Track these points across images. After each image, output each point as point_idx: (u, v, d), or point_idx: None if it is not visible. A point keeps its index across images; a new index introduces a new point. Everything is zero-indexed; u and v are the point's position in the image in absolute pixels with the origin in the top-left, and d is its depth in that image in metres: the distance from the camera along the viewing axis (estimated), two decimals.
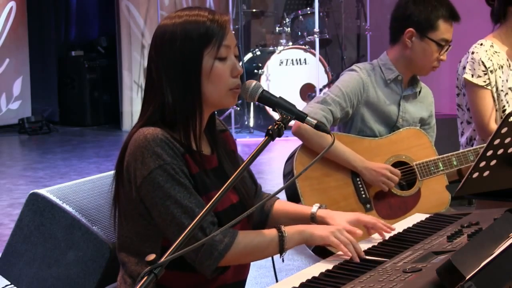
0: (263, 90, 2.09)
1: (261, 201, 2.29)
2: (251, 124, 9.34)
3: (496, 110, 3.60)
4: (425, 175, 3.22)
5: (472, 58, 3.59)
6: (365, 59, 9.51)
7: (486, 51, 3.59)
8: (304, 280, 1.89)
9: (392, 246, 2.16)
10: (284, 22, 9.76)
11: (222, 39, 2.16)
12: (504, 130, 2.51)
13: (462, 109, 3.73)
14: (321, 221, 2.35)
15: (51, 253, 2.74)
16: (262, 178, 6.95)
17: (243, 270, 2.30)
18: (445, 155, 3.24)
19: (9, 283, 2.86)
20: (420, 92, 3.41)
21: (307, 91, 9.33)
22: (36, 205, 2.74)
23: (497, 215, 2.14)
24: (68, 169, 7.74)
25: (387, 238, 2.28)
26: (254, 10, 10.24)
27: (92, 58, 10.50)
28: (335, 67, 10.21)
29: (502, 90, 3.60)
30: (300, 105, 8.72)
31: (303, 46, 9.40)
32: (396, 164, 3.23)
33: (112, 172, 2.26)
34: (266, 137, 1.96)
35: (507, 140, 2.54)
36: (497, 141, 2.53)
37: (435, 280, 1.62)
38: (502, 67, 3.61)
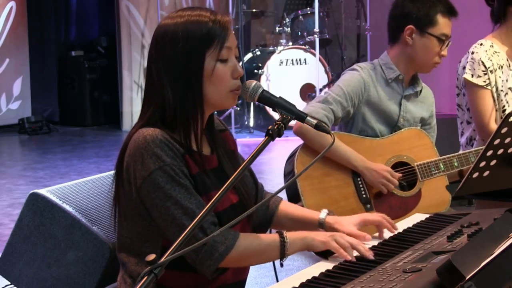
0: (263, 90, 2.09)
1: (263, 200, 2.29)
2: (251, 124, 9.35)
3: (496, 110, 3.60)
4: (426, 176, 3.22)
5: (472, 58, 3.59)
6: (365, 59, 9.51)
7: (486, 51, 3.59)
8: (304, 280, 1.89)
9: (392, 246, 2.16)
10: (284, 22, 9.76)
11: (224, 41, 2.16)
12: (504, 130, 2.51)
13: (462, 109, 3.73)
14: (330, 227, 2.35)
15: (51, 253, 2.74)
16: (262, 178, 6.95)
17: (243, 270, 2.30)
18: (446, 156, 3.24)
19: (9, 283, 2.86)
20: (421, 91, 3.41)
21: (307, 91, 9.33)
22: (36, 205, 2.74)
23: (497, 215, 2.14)
24: (68, 169, 7.75)
25: (387, 238, 2.28)
26: (254, 10, 10.24)
27: (92, 58, 10.50)
28: (335, 67, 10.21)
29: (502, 90, 3.60)
30: (300, 105, 8.73)
31: (303, 46, 9.40)
32: (397, 165, 3.23)
33: (112, 172, 2.26)
34: (266, 137, 1.96)
35: (507, 140, 2.54)
36: (497, 141, 2.53)
37: (435, 280, 1.62)
38: (502, 67, 3.61)
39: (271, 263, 2.34)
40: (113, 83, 10.29)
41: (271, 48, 9.70)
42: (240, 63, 8.93)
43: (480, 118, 3.57)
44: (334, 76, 9.50)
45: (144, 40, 9.92)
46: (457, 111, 3.79)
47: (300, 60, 9.38)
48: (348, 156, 3.14)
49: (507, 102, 3.61)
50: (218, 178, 2.21)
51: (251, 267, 2.38)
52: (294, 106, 2.07)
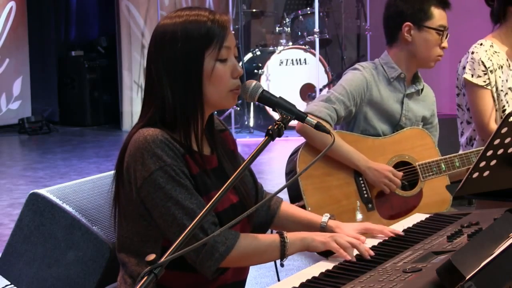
0: (263, 90, 2.09)
1: (263, 200, 2.29)
2: (251, 124, 9.34)
3: (496, 110, 3.60)
4: (427, 176, 3.23)
5: (472, 58, 3.59)
6: (365, 59, 9.51)
7: (486, 51, 3.59)
8: (304, 280, 1.89)
9: (392, 246, 2.16)
10: (284, 22, 9.76)
11: (223, 40, 2.16)
12: (504, 130, 2.51)
13: (462, 109, 3.73)
14: (331, 231, 2.36)
15: (51, 253, 2.74)
16: (262, 178, 6.95)
17: (243, 270, 2.30)
18: (447, 156, 3.24)
19: (9, 283, 2.86)
20: (422, 90, 3.41)
21: (307, 91, 9.33)
22: (36, 205, 2.74)
23: (497, 215, 2.14)
24: (68, 169, 7.75)
25: (387, 238, 2.28)
26: (254, 10, 10.24)
27: (92, 58, 10.51)
28: (335, 67, 10.22)
29: (502, 90, 3.60)
30: (300, 105, 8.75)
31: (303, 46, 9.40)
32: (398, 164, 3.23)
33: (112, 172, 2.26)
34: (266, 137, 1.96)
35: (507, 140, 2.54)
36: (497, 141, 2.53)
37: (435, 280, 1.62)
38: (502, 67, 3.62)
39: (272, 263, 2.34)
40: (113, 83, 10.29)
41: (271, 48, 9.70)
42: (240, 63, 8.93)
43: (480, 118, 3.58)
44: (334, 76, 9.50)
45: (144, 40, 9.92)
46: (457, 111, 3.79)
47: (300, 60, 9.38)
48: (350, 156, 3.14)
49: (507, 102, 3.61)
50: (218, 178, 2.21)
51: (251, 267, 2.38)
52: (294, 106, 2.07)
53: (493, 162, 2.57)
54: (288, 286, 1.85)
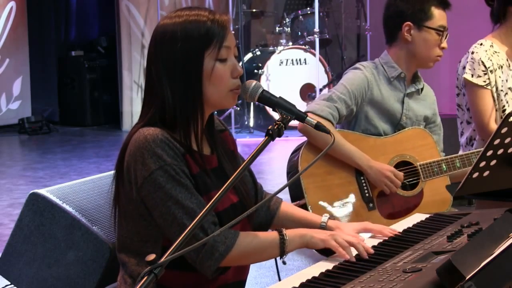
0: (263, 90, 2.09)
1: (263, 200, 2.29)
2: (251, 124, 9.35)
3: (496, 110, 3.60)
4: (428, 176, 3.23)
5: (472, 58, 3.59)
6: (365, 59, 9.51)
7: (486, 51, 3.59)
8: (304, 280, 1.89)
9: (392, 246, 2.16)
10: (284, 22, 9.76)
11: (223, 40, 2.16)
12: (504, 130, 2.51)
13: (462, 109, 3.73)
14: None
15: (51, 253, 2.74)
16: (262, 178, 6.95)
17: (244, 270, 2.30)
18: (448, 156, 3.25)
19: (9, 283, 2.86)
20: (422, 89, 3.41)
21: (307, 91, 9.33)
22: (36, 205, 2.74)
23: (497, 215, 2.14)
24: (68, 169, 7.75)
25: (387, 238, 2.28)
26: (254, 10, 10.24)
27: (92, 58, 10.51)
28: (335, 67, 10.22)
29: (502, 90, 3.61)
30: (300, 105, 8.75)
31: (303, 46, 9.40)
32: (400, 164, 3.23)
33: (112, 172, 2.26)
34: (266, 137, 1.96)
35: (507, 140, 2.54)
36: (497, 141, 2.53)
37: (435, 280, 1.62)
38: (501, 67, 3.62)
39: (272, 262, 2.34)
40: (113, 83, 10.29)
41: (271, 48, 9.70)
42: (240, 63, 8.93)
43: (480, 118, 3.58)
44: (334, 76, 9.50)
45: (144, 40, 9.92)
46: (457, 111, 3.79)
47: (300, 60, 9.38)
48: (352, 155, 3.14)
49: (507, 102, 3.61)
50: (219, 178, 2.21)
51: (251, 267, 2.38)
52: (294, 106, 2.07)
53: (493, 162, 2.57)
54: (288, 286, 1.85)
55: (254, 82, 2.10)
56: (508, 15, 3.63)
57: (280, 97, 2.07)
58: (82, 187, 2.84)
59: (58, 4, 11.02)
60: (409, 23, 3.26)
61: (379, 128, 3.28)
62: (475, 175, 2.58)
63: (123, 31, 10.01)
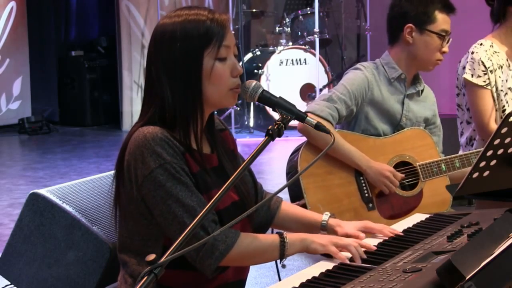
0: (263, 90, 2.09)
1: (263, 199, 2.29)
2: (251, 124, 9.34)
3: (496, 110, 3.60)
4: (428, 176, 3.23)
5: (472, 58, 3.59)
6: (365, 59, 9.51)
7: (486, 51, 3.59)
8: (304, 280, 1.89)
9: (392, 246, 2.16)
10: (284, 22, 9.76)
11: (222, 39, 2.16)
12: (504, 130, 2.51)
13: (462, 109, 3.73)
14: (332, 230, 2.36)
15: (51, 253, 2.74)
16: (262, 178, 6.95)
17: (244, 269, 2.31)
18: (448, 156, 3.25)
19: (9, 283, 2.86)
20: (422, 91, 3.41)
21: (307, 91, 9.33)
22: (36, 205, 2.74)
23: (497, 215, 2.14)
24: (68, 169, 7.75)
25: (387, 238, 2.28)
26: (254, 10, 10.24)
27: (92, 58, 10.51)
28: (335, 67, 10.21)
29: (501, 90, 3.60)
30: (300, 105, 8.75)
31: (303, 46, 9.40)
32: (399, 164, 3.23)
33: (112, 172, 2.26)
34: (266, 137, 1.96)
35: (507, 140, 2.54)
36: (497, 141, 2.53)
37: (435, 280, 1.62)
38: (501, 67, 3.61)
39: (273, 262, 2.34)
40: (113, 83, 10.29)
41: (271, 48, 9.70)
42: (240, 63, 8.93)
43: (480, 118, 3.57)
44: (334, 76, 9.50)
45: (144, 40, 9.92)
46: (457, 111, 3.79)
47: (300, 60, 9.38)
48: (352, 155, 3.14)
49: (507, 102, 3.61)
50: (219, 177, 2.21)
51: (251, 266, 2.38)
52: (294, 106, 2.07)
53: (493, 162, 2.57)
54: (288, 286, 1.85)
55: (254, 82, 2.10)
56: (508, 15, 3.63)
57: (280, 97, 2.07)
58: (82, 187, 2.84)
59: (58, 4, 11.02)
60: (411, 25, 3.26)
61: (378, 129, 3.28)
62: (475, 175, 2.58)
63: (123, 31, 10.01)
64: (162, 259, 1.62)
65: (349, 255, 2.12)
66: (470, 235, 2.07)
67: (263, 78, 9.32)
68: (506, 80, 3.63)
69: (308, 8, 9.69)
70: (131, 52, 10.00)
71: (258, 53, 9.70)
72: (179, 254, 1.65)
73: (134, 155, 2.12)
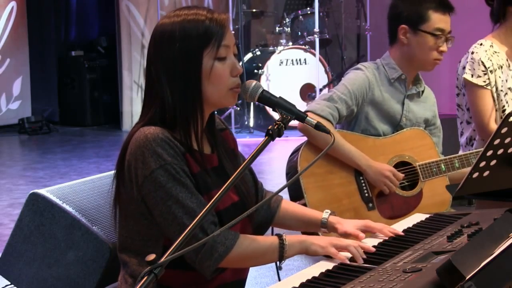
0: (263, 90, 2.09)
1: (264, 199, 2.29)
2: (251, 124, 9.34)
3: (496, 110, 3.60)
4: (427, 176, 3.23)
5: (471, 58, 3.59)
6: (365, 59, 9.51)
7: (486, 51, 3.59)
8: (304, 280, 1.89)
9: (392, 246, 2.16)
10: (284, 22, 9.76)
11: (222, 39, 2.16)
12: (504, 130, 2.51)
13: (462, 109, 3.73)
14: (331, 227, 2.36)
15: (51, 253, 2.74)
16: (262, 178, 6.90)
17: (243, 269, 2.31)
18: (447, 157, 3.25)
19: (9, 283, 2.86)
20: (423, 92, 3.41)
21: (307, 91, 9.33)
22: (36, 205, 2.74)
23: (497, 215, 2.14)
24: (68, 169, 7.75)
25: (387, 238, 2.28)
26: (254, 10, 10.24)
27: (92, 58, 10.51)
28: (335, 67, 10.21)
29: (501, 90, 3.60)
30: (300, 105, 8.75)
31: (303, 46, 9.40)
32: (399, 164, 3.23)
33: (112, 172, 2.26)
34: (266, 137, 1.96)
35: (507, 140, 2.54)
36: (497, 141, 2.53)
37: (435, 280, 1.62)
38: (501, 67, 3.61)
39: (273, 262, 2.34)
40: (113, 83, 10.29)
41: (271, 48, 9.70)
42: (240, 63, 8.93)
43: (480, 118, 3.57)
44: (334, 76, 9.50)
45: (144, 40, 9.92)
46: (457, 111, 3.79)
47: (300, 60, 9.38)
48: (352, 155, 3.14)
49: (507, 102, 3.61)
50: (219, 177, 2.21)
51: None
52: (294, 106, 2.07)
53: (493, 162, 2.57)
54: (288, 286, 1.85)
55: (254, 82, 2.10)
56: (507, 15, 3.63)
57: (280, 97, 2.07)
58: (82, 187, 2.84)
59: (58, 4, 11.02)
60: (404, 26, 3.26)
61: (378, 129, 3.28)
62: (475, 175, 2.58)
63: (123, 31, 10.01)
64: (162, 259, 1.62)
65: (349, 255, 2.12)
66: (470, 235, 2.07)
67: (263, 78, 9.32)
68: (506, 80, 3.63)
69: (308, 8, 9.69)
70: (131, 52, 10.00)
71: (258, 53, 9.70)
72: (179, 254, 1.65)
73: (135, 155, 2.12)
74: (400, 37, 3.28)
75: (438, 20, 3.23)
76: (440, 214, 2.51)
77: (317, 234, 2.48)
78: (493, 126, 3.50)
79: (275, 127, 1.97)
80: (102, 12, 11.13)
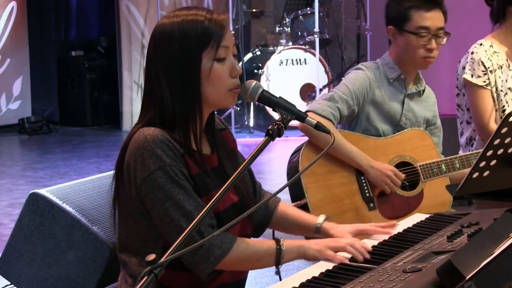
0: (263, 90, 2.09)
1: (263, 199, 2.29)
2: (251, 124, 9.34)
3: (496, 110, 3.60)
4: (428, 177, 3.23)
5: (471, 58, 3.59)
6: (365, 59, 9.51)
7: (486, 51, 3.59)
8: (304, 280, 1.89)
9: (392, 246, 2.16)
10: (284, 22, 9.76)
11: (221, 40, 2.15)
12: (504, 130, 2.51)
13: (462, 109, 3.73)
14: (325, 233, 2.36)
15: (51, 253, 2.74)
16: (262, 178, 6.95)
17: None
18: (448, 157, 3.25)
19: (9, 283, 2.86)
20: (423, 91, 3.41)
21: (307, 91, 9.33)
22: (36, 205, 2.74)
23: (497, 215, 2.14)
24: (68, 169, 7.75)
25: (387, 238, 2.28)
26: (254, 10, 10.24)
27: (92, 58, 10.51)
28: (335, 67, 10.21)
29: (501, 90, 3.60)
30: (300, 105, 8.75)
31: (303, 46, 9.40)
32: (400, 165, 3.23)
33: (112, 172, 2.26)
34: (266, 137, 1.96)
35: (507, 140, 2.54)
36: (497, 141, 2.53)
37: (435, 280, 1.62)
38: (501, 67, 3.61)
39: None
40: (113, 83, 10.29)
41: (271, 48, 9.70)
42: (240, 63, 8.93)
43: (480, 118, 3.57)
44: (334, 76, 9.50)
45: (144, 40, 9.92)
46: (457, 111, 3.79)
47: (300, 60, 9.38)
48: (353, 155, 3.14)
49: (507, 102, 3.61)
50: (219, 178, 2.21)
51: None
52: (294, 106, 2.06)
53: (493, 162, 2.57)
54: (288, 286, 1.85)
55: (254, 82, 2.09)
56: (507, 15, 3.62)
57: (280, 97, 2.07)
58: (82, 187, 2.84)
59: (58, 4, 11.02)
60: (391, 27, 3.28)
61: (379, 129, 3.29)
62: (475, 175, 2.58)
63: (123, 31, 10.01)
64: (162, 259, 1.62)
65: (346, 255, 2.11)
66: (470, 235, 2.07)
67: (263, 78, 9.32)
68: (506, 80, 3.63)
69: (308, 8, 9.69)
70: (131, 52, 10.00)
71: (258, 53, 9.70)
72: (178, 255, 1.65)
73: (134, 156, 2.12)
74: (390, 38, 3.30)
75: (420, 18, 3.22)
76: (440, 214, 2.51)
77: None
78: (493, 126, 3.50)
79: (275, 127, 1.97)
80: (102, 12, 11.13)
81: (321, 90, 9.09)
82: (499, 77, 3.60)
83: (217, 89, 2.17)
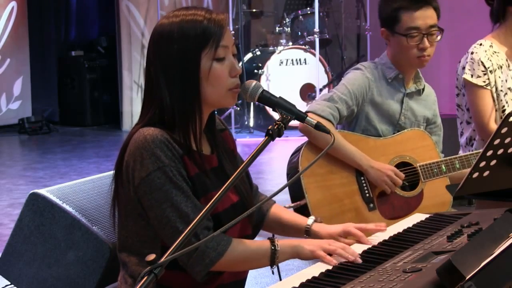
0: (263, 90, 2.09)
1: (260, 201, 2.29)
2: (251, 124, 9.34)
3: (496, 110, 3.60)
4: (428, 177, 3.23)
5: (471, 58, 3.59)
6: (365, 59, 9.50)
7: (486, 51, 3.59)
8: (304, 280, 1.89)
9: (392, 246, 2.16)
10: (284, 22, 9.76)
11: (220, 40, 2.15)
12: (504, 130, 2.51)
13: (462, 109, 3.73)
14: (315, 234, 2.35)
15: (51, 253, 2.74)
16: (262, 178, 6.95)
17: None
18: (448, 157, 3.25)
19: (9, 283, 2.86)
20: (423, 90, 3.41)
21: (307, 91, 9.33)
22: (36, 205, 2.74)
23: (497, 215, 2.14)
24: (68, 169, 7.75)
25: (387, 238, 2.28)
26: (254, 10, 10.25)
27: (92, 58, 10.51)
28: (335, 67, 10.22)
29: (501, 90, 3.60)
30: (300, 105, 8.75)
31: (303, 46, 9.40)
32: (400, 165, 3.23)
33: (112, 172, 2.26)
34: (266, 137, 1.96)
35: (507, 140, 2.54)
36: (497, 141, 2.53)
37: (435, 280, 1.62)
38: (501, 67, 3.61)
39: None
40: (113, 83, 10.29)
41: (271, 48, 9.70)
42: (240, 63, 8.93)
43: (480, 118, 3.57)
44: (334, 76, 9.50)
45: (144, 40, 9.92)
46: (457, 111, 3.79)
47: (300, 60, 9.38)
48: (352, 155, 3.14)
49: (507, 102, 3.61)
50: (218, 178, 2.21)
51: None
52: (294, 106, 2.06)
53: (493, 162, 2.57)
54: (288, 286, 1.85)
55: (254, 82, 2.09)
56: (507, 15, 3.62)
57: (280, 97, 2.07)
58: (82, 187, 2.84)
59: (58, 4, 11.02)
60: (383, 29, 3.29)
61: (378, 129, 3.29)
62: (475, 175, 2.58)
63: (123, 31, 10.01)
64: (162, 259, 1.62)
65: (340, 259, 2.10)
66: (470, 235, 2.07)
67: (263, 78, 9.32)
68: (506, 80, 3.63)
69: (308, 8, 9.69)
70: (131, 52, 10.00)
71: (258, 53, 9.71)
72: (176, 256, 1.65)
73: (133, 156, 2.12)
74: (384, 40, 3.31)
75: (409, 19, 3.21)
76: (440, 214, 2.51)
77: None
78: (493, 126, 3.50)
79: (275, 127, 1.97)
80: (102, 12, 11.14)
81: (321, 90, 9.09)
82: (499, 77, 3.60)
83: (216, 89, 2.17)
